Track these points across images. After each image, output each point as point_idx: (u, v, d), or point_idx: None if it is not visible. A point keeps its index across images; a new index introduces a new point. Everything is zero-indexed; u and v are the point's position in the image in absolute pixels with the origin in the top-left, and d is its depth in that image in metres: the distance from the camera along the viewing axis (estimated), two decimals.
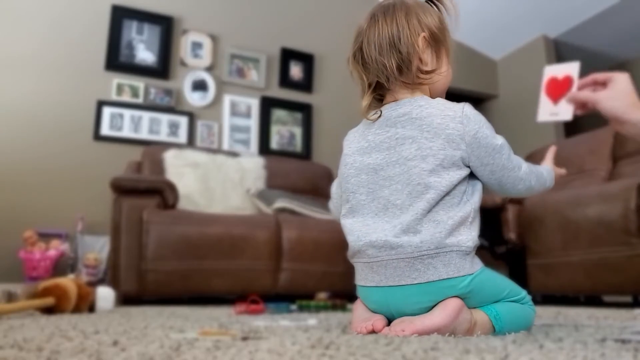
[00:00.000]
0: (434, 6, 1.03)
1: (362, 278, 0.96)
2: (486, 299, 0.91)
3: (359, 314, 0.98)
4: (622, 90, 0.89)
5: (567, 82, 1.03)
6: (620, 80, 0.91)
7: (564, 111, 1.02)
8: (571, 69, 1.04)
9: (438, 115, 0.91)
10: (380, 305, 0.95)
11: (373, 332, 0.88)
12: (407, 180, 0.90)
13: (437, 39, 0.97)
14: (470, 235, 0.89)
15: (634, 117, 0.90)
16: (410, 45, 0.93)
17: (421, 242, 0.86)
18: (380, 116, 0.97)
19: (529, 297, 0.98)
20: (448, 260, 0.86)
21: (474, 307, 0.89)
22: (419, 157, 0.90)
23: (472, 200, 0.91)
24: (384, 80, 0.95)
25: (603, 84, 0.94)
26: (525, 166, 0.97)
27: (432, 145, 0.89)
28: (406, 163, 0.91)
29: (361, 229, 0.94)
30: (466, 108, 0.92)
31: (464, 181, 0.91)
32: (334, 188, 1.14)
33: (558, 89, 1.04)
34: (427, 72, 0.96)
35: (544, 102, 1.06)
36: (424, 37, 0.95)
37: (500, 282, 0.94)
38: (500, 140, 0.93)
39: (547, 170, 1.06)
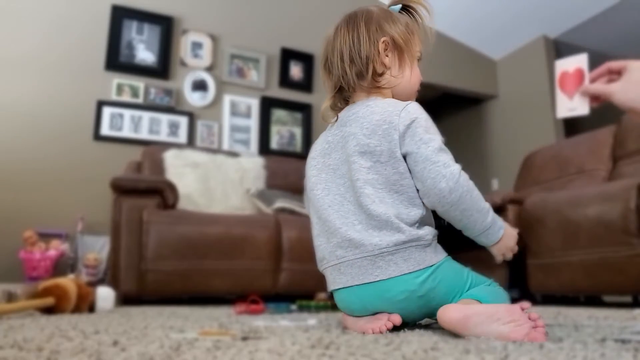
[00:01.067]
0: (409, 13, 1.06)
1: (332, 282, 0.99)
2: (452, 287, 0.92)
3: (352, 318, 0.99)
4: (637, 80, 0.85)
5: (579, 75, 1.00)
6: (635, 69, 0.87)
7: (581, 106, 0.99)
8: (580, 61, 1.01)
9: (379, 112, 0.94)
10: (357, 307, 0.96)
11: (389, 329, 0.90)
12: (351, 177, 0.95)
13: (399, 46, 1.01)
14: (428, 230, 0.92)
15: None
16: (369, 50, 0.99)
17: (380, 240, 0.89)
18: (337, 120, 1.03)
19: (496, 283, 1.00)
20: (408, 255, 0.89)
21: (446, 300, 0.90)
22: (357, 153, 0.94)
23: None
24: (345, 84, 1.01)
25: (618, 73, 0.90)
26: (459, 170, 0.89)
27: (369, 142, 0.93)
28: (349, 159, 0.96)
29: (327, 230, 0.97)
30: (410, 105, 0.95)
31: (405, 175, 0.92)
32: (305, 201, 1.17)
33: (571, 83, 1.01)
34: (382, 74, 1.00)
35: (560, 98, 1.03)
36: (385, 41, 1.00)
37: (461, 270, 0.97)
38: (434, 137, 0.91)
39: (499, 218, 0.96)
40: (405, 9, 1.07)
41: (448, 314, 0.79)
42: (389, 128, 0.92)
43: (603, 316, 1.35)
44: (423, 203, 0.93)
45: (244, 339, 0.75)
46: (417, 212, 0.91)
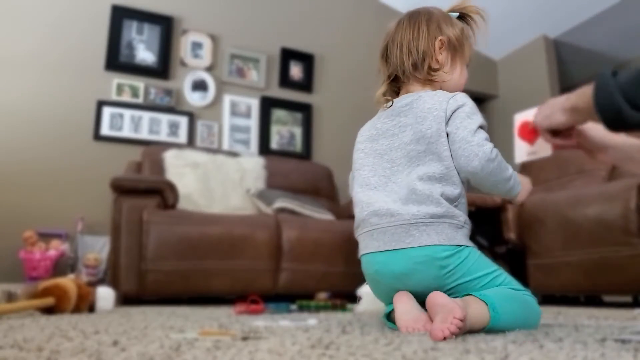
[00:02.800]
0: (464, 21, 1.16)
1: (364, 247, 1.06)
2: (472, 272, 0.96)
3: (405, 309, 0.97)
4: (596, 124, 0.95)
5: None
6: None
7: (543, 148, 1.09)
8: None
9: (430, 102, 1.03)
10: (378, 268, 1.01)
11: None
12: (408, 162, 1.03)
13: (454, 46, 1.11)
14: (461, 213, 0.99)
15: (617, 141, 0.98)
16: (426, 46, 1.09)
17: (418, 211, 0.96)
18: (391, 105, 1.10)
19: (528, 292, 1.02)
20: (441, 229, 0.96)
21: (465, 285, 0.96)
22: (414, 140, 1.03)
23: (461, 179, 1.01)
24: (400, 73, 1.11)
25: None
26: (491, 149, 0.96)
27: (422, 127, 1.02)
28: (405, 147, 1.04)
29: (365, 200, 1.05)
30: (458, 94, 1.04)
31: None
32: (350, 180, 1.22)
33: (532, 130, 1.10)
34: (436, 70, 1.10)
35: (519, 144, 1.13)
36: (441, 40, 1.09)
37: (488, 264, 1.01)
38: (474, 121, 0.98)
39: (517, 175, 1.05)
40: (462, 16, 1.16)
41: (430, 299, 0.88)
42: (438, 114, 1.00)
43: (603, 316, 1.36)
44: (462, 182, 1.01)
45: (244, 339, 0.75)
46: (457, 191, 0.99)
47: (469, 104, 1.02)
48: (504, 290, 0.97)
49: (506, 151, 1.03)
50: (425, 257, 0.95)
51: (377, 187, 1.05)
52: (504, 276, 1.01)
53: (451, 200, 0.98)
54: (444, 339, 0.76)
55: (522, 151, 1.13)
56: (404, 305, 0.97)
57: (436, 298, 0.87)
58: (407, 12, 1.16)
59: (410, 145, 1.03)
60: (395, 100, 1.10)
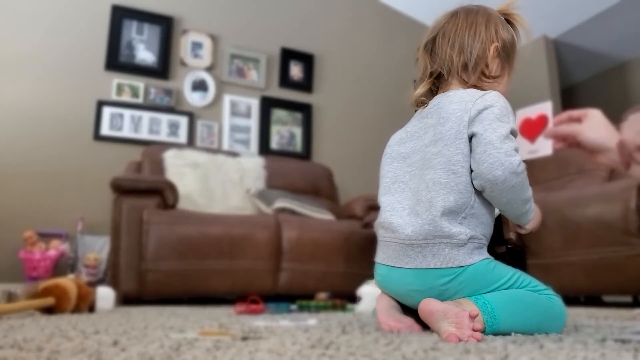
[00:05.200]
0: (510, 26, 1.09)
1: (377, 254, 1.05)
2: (481, 287, 0.89)
3: (383, 305, 0.99)
4: (600, 122, 0.92)
5: (542, 120, 1.09)
6: (596, 114, 0.94)
7: (543, 147, 1.06)
8: (544, 108, 1.10)
9: (456, 101, 0.95)
10: (383, 282, 1.01)
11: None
12: (423, 165, 0.97)
13: (507, 53, 1.04)
14: (463, 229, 0.89)
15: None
16: (482, 50, 1.00)
17: (412, 231, 0.92)
18: (425, 107, 1.03)
19: (550, 291, 0.94)
20: (437, 251, 0.90)
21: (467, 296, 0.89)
22: (432, 142, 0.96)
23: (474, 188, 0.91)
24: (445, 71, 1.02)
25: (578, 120, 0.95)
26: (519, 162, 0.88)
27: (442, 129, 0.94)
28: (424, 149, 0.98)
29: (383, 207, 1.02)
30: (488, 93, 0.94)
31: (467, 159, 0.91)
32: None
33: (533, 128, 1.08)
34: (491, 77, 1.02)
35: (520, 142, 1.10)
36: (496, 46, 1.02)
37: (502, 274, 0.92)
38: (504, 125, 0.89)
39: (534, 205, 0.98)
40: (507, 22, 1.09)
41: (423, 306, 0.85)
42: (461, 115, 0.92)
43: (603, 316, 1.36)
44: (476, 192, 0.91)
45: (244, 339, 0.75)
46: (463, 200, 0.90)
47: (500, 105, 0.92)
48: (512, 293, 0.89)
49: None
50: (421, 285, 0.90)
51: (394, 194, 1.01)
52: (522, 279, 0.93)
53: (454, 212, 0.89)
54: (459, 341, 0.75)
55: (523, 149, 1.10)
56: (384, 303, 0.99)
57: (431, 305, 0.84)
58: (462, 6, 1.07)
59: (429, 147, 0.96)
60: (431, 101, 1.03)
